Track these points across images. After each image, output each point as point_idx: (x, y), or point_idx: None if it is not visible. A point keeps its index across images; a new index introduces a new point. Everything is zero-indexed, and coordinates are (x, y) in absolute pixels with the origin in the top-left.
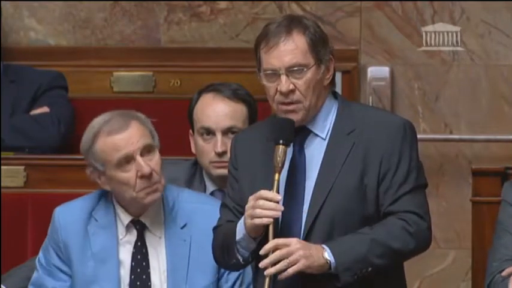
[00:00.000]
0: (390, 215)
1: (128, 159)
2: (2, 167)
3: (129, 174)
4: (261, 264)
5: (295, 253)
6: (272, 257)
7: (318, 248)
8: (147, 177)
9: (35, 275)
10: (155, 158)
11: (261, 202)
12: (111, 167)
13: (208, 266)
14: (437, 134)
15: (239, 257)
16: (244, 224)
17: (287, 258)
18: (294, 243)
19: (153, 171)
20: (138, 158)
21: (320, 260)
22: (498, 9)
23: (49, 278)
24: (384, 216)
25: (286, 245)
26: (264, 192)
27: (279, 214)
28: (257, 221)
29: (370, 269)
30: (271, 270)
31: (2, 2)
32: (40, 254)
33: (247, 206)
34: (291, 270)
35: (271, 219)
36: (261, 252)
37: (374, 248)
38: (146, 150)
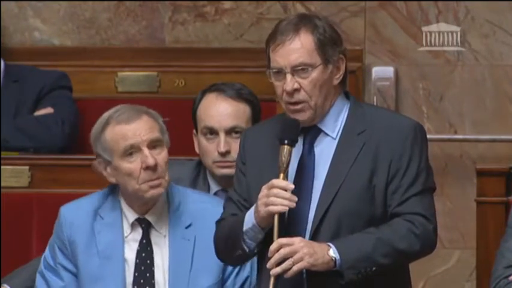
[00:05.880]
0: (397, 216)
1: (134, 150)
2: (7, 167)
3: (133, 164)
4: (268, 265)
5: (299, 251)
6: (276, 257)
7: (322, 246)
8: (151, 169)
9: (38, 276)
10: (162, 154)
11: (276, 191)
12: (117, 156)
13: (212, 267)
14: (441, 134)
15: (245, 248)
16: (255, 213)
17: (291, 257)
18: (297, 241)
19: (158, 164)
20: (145, 149)
21: (325, 257)
22: (503, 9)
23: (54, 277)
24: (391, 217)
25: (290, 244)
26: (276, 181)
27: (293, 204)
28: (272, 208)
29: (374, 268)
30: (277, 270)
31: (7, 2)
32: (46, 252)
33: (260, 195)
34: (295, 268)
35: (286, 208)
36: (269, 254)
37: (379, 248)
38: (153, 145)
